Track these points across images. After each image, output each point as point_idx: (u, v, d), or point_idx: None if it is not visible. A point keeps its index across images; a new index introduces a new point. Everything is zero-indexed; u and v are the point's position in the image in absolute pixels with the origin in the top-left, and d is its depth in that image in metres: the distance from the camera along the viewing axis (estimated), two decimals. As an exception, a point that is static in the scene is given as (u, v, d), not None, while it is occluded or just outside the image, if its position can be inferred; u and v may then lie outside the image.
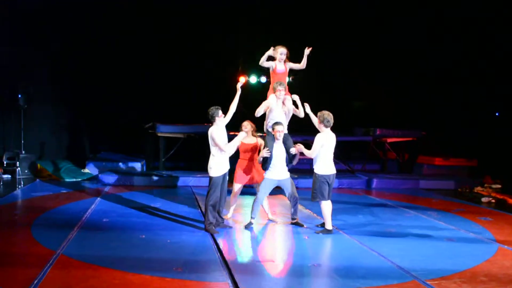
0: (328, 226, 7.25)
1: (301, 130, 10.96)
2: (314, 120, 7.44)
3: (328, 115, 7.10)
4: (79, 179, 12.15)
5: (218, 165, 7.10)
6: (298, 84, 14.47)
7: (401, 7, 14.72)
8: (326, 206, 7.20)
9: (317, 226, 7.62)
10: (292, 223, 7.70)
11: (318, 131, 7.30)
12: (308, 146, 7.38)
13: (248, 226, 7.46)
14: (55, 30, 13.36)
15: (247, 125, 7.78)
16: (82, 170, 12.80)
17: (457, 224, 8.10)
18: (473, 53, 14.27)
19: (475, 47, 14.15)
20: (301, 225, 7.62)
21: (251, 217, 7.51)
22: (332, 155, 7.22)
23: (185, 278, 5.21)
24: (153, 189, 11.11)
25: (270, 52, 7.85)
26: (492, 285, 5.28)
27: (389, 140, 14.23)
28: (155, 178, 11.94)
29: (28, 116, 12.80)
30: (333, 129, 7.29)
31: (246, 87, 15.40)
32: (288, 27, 14.97)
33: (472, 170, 13.76)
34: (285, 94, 7.70)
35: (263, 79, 15.29)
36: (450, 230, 7.70)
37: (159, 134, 12.94)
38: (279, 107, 7.65)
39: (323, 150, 7.11)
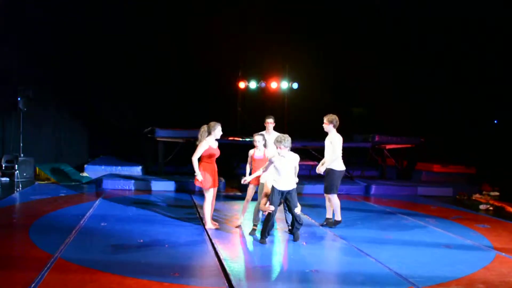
0: (338, 217, 7.87)
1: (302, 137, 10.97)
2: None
3: (336, 117, 7.92)
4: (78, 183, 12.15)
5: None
6: (298, 91, 14.56)
7: (400, 11, 14.78)
8: (337, 199, 7.89)
9: (322, 225, 8.08)
10: (289, 231, 7.63)
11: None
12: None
13: (252, 233, 7.41)
14: (55, 33, 13.39)
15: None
16: (80, 174, 12.81)
17: (455, 231, 8.11)
18: (472, 60, 14.32)
19: (475, 53, 14.20)
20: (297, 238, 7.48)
21: (254, 224, 7.49)
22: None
23: (183, 283, 5.20)
24: (151, 194, 11.11)
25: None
26: (489, 293, 5.30)
27: (388, 146, 14.25)
28: (153, 182, 11.94)
29: (27, 119, 12.80)
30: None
31: (245, 92, 15.47)
32: (287, 31, 15.04)
33: (471, 177, 13.77)
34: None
35: (263, 84, 15.34)
36: (448, 237, 7.71)
37: (158, 139, 12.95)
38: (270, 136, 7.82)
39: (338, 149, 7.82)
